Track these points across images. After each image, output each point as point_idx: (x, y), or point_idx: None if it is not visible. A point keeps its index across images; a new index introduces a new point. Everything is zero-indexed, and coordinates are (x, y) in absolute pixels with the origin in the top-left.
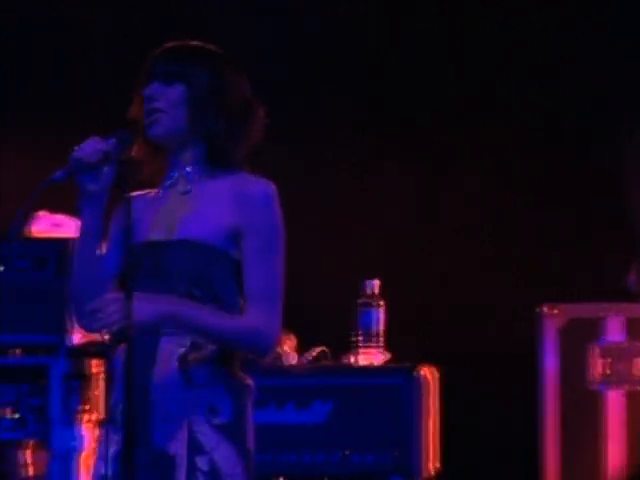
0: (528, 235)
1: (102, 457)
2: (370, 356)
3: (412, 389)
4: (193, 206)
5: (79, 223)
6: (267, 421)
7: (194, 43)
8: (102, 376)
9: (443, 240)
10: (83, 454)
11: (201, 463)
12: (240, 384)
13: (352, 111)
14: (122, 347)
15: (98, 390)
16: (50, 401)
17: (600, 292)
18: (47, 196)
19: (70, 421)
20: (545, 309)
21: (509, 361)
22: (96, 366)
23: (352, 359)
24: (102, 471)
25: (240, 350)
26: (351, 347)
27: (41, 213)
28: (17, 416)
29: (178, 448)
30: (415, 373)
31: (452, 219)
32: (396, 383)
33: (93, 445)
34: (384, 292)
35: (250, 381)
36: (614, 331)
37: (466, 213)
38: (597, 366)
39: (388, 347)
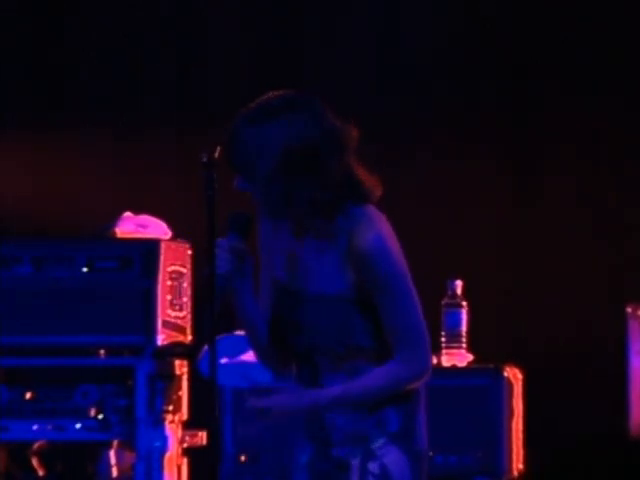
0: (614, 234)
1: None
2: (453, 357)
3: (499, 390)
4: (315, 252)
5: (163, 225)
6: None
7: (243, 118)
8: (186, 377)
9: (526, 240)
10: (167, 455)
11: (372, 467)
12: (406, 392)
13: (444, 112)
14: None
15: (182, 391)
16: (136, 402)
17: None
18: (129, 196)
19: (155, 422)
20: (629, 309)
21: (594, 361)
22: (180, 367)
23: (435, 360)
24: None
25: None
26: (434, 348)
27: (126, 214)
28: (101, 417)
29: (355, 460)
30: (502, 374)
31: (534, 219)
32: (483, 384)
33: (177, 446)
34: (466, 292)
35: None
36: None
37: (549, 214)
38: None
39: (470, 348)
